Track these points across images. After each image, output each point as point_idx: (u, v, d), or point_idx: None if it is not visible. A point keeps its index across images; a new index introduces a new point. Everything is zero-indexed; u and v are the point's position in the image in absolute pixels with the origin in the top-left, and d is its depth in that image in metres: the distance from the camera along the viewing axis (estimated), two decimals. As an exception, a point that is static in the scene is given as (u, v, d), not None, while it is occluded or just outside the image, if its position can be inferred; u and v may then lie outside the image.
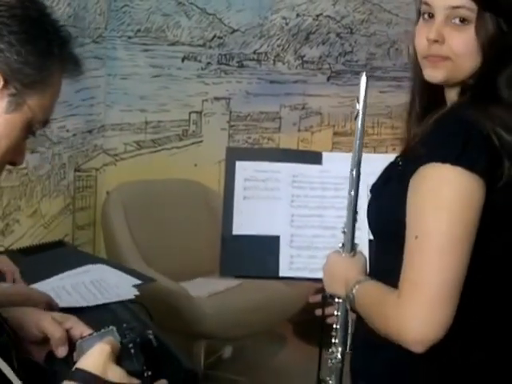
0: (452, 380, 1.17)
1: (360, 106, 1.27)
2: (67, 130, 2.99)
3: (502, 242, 1.14)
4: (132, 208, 3.04)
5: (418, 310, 1.08)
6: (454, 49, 1.17)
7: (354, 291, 1.22)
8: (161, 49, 3.35)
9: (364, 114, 1.27)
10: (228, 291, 2.86)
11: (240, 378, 3.04)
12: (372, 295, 1.20)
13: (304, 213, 1.71)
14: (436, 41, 1.18)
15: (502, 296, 1.16)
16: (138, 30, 3.29)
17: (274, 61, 3.60)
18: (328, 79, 3.71)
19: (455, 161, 1.08)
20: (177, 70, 3.40)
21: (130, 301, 1.87)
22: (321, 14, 3.66)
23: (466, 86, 1.19)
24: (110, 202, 3.04)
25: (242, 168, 1.71)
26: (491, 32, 1.15)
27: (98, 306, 1.81)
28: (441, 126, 1.12)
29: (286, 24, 3.61)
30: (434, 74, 1.21)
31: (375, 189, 1.28)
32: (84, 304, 1.80)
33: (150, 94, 3.34)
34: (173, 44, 3.37)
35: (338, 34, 3.71)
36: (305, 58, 3.67)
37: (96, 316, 1.74)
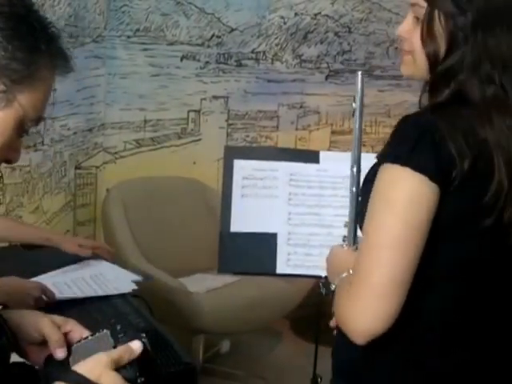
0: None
1: (357, 105, 1.29)
2: (68, 129, 3.00)
3: (459, 243, 1.13)
4: (131, 205, 3.05)
5: (360, 304, 1.10)
6: (412, 45, 1.21)
7: (336, 281, 1.24)
8: (160, 48, 3.35)
9: (361, 112, 1.30)
10: (226, 287, 2.87)
11: (237, 372, 3.05)
12: (340, 285, 1.21)
13: (301, 211, 1.73)
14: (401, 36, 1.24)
15: (459, 295, 1.16)
16: (137, 30, 3.29)
17: (272, 60, 3.59)
18: (326, 78, 3.70)
19: (404, 162, 1.09)
20: (175, 69, 3.40)
21: (131, 294, 1.90)
22: (319, 13, 3.64)
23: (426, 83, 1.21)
24: (110, 199, 3.05)
25: (240, 166, 1.73)
26: (438, 30, 1.17)
27: (99, 300, 1.83)
28: (399, 127, 1.14)
29: (284, 23, 3.60)
30: (401, 68, 1.26)
31: (361, 189, 1.30)
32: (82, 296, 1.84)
33: (149, 92, 3.34)
34: (171, 43, 3.37)
35: (336, 33, 3.69)
36: (303, 57, 3.65)
37: (98, 309, 1.77)
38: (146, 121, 3.37)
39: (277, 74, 3.60)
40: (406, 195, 1.09)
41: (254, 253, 1.71)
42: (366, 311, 1.10)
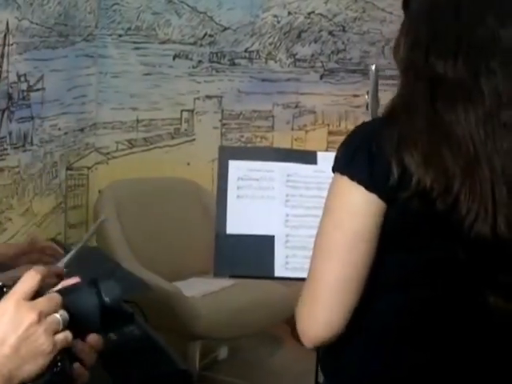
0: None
1: (369, 99, 1.29)
2: (59, 129, 2.99)
3: (412, 250, 1.13)
4: (124, 207, 3.03)
5: (306, 310, 1.14)
6: None
7: None
8: (152, 47, 3.36)
9: (374, 106, 1.29)
10: (222, 291, 2.85)
11: (236, 380, 3.02)
12: None
13: (299, 213, 1.71)
14: None
15: (413, 300, 1.16)
16: (129, 29, 3.30)
17: (266, 59, 3.59)
18: (321, 77, 3.69)
19: (343, 171, 1.11)
20: (168, 68, 3.41)
21: (124, 301, 1.86)
22: (312, 12, 3.64)
23: None
24: (102, 201, 3.03)
25: (235, 167, 1.71)
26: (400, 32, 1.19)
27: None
28: (348, 135, 1.16)
29: (278, 22, 3.60)
30: None
31: None
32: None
33: (142, 92, 3.35)
34: (164, 42, 3.38)
35: (330, 32, 3.69)
36: (297, 57, 3.66)
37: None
38: (138, 120, 3.38)
39: (271, 74, 3.60)
40: (344, 204, 1.11)
41: (251, 255, 1.69)
42: (310, 318, 1.13)
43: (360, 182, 1.09)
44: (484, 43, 1.12)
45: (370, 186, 1.09)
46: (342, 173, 1.11)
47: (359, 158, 1.10)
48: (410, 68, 1.15)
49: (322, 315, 1.12)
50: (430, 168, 1.07)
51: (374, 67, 1.31)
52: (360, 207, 1.10)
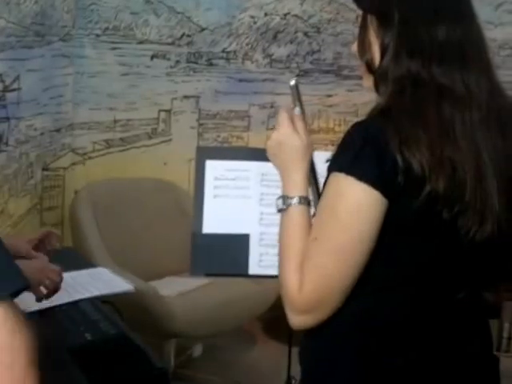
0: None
1: (297, 111, 1.29)
2: (35, 129, 2.97)
3: (410, 248, 1.14)
4: (101, 207, 3.02)
5: (306, 304, 1.14)
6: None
7: (291, 204, 1.22)
8: (129, 47, 3.34)
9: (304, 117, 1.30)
10: (198, 290, 2.84)
11: (211, 377, 3.03)
12: (295, 232, 1.20)
13: (273, 211, 1.70)
14: None
15: (408, 298, 1.17)
16: (106, 28, 3.28)
17: (243, 59, 3.59)
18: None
19: (348, 171, 1.10)
20: (146, 69, 3.39)
21: (101, 300, 1.86)
22: (288, 13, 3.65)
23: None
24: (79, 202, 3.02)
25: (212, 167, 1.71)
26: (371, 35, 1.20)
27: (68, 307, 1.80)
28: (347, 134, 1.14)
29: (255, 23, 3.61)
30: (362, 82, 1.28)
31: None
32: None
33: (119, 92, 3.33)
34: (141, 42, 3.37)
35: (305, 33, 3.71)
36: (273, 57, 3.66)
37: (66, 315, 1.74)
38: (115, 121, 3.36)
39: (247, 74, 3.60)
40: (351, 206, 1.10)
41: (227, 254, 1.69)
42: (307, 313, 1.14)
43: (366, 181, 1.08)
44: (478, 46, 1.16)
45: (376, 185, 1.08)
46: (347, 173, 1.09)
47: (364, 157, 1.08)
48: (408, 77, 1.13)
49: (326, 314, 1.15)
50: (441, 174, 1.07)
51: (293, 82, 1.32)
52: (366, 207, 1.09)
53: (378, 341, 1.17)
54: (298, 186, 1.23)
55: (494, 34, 3.52)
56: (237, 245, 1.67)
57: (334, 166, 1.13)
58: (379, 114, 1.13)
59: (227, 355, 3.21)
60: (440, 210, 1.08)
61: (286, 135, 1.27)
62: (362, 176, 1.08)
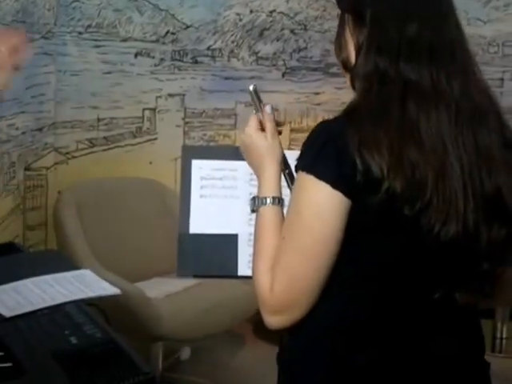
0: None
1: (268, 109, 1.33)
2: (16, 128, 2.95)
3: (373, 246, 1.15)
4: (85, 207, 2.99)
5: (275, 304, 1.16)
6: None
7: (263, 205, 1.24)
8: (113, 45, 3.34)
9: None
10: (185, 291, 2.83)
11: (199, 380, 3.01)
12: (267, 232, 1.21)
13: (263, 211, 1.70)
14: None
15: (372, 296, 1.18)
16: (89, 26, 3.28)
17: (229, 57, 3.59)
18: (283, 75, 3.71)
19: (309, 170, 1.12)
20: (130, 66, 3.39)
21: (86, 303, 1.83)
22: (274, 11, 3.66)
23: None
24: (62, 202, 2.99)
25: (198, 167, 1.70)
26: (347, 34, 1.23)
27: (51, 310, 1.76)
28: (311, 132, 1.16)
29: (240, 20, 3.61)
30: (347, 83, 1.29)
31: None
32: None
33: (102, 90, 3.33)
34: (125, 40, 3.37)
35: (292, 31, 3.71)
36: (259, 55, 3.67)
37: (50, 319, 1.70)
38: (99, 119, 3.35)
39: (233, 72, 3.60)
40: (312, 204, 1.12)
41: (215, 255, 1.68)
42: (278, 314, 1.16)
43: (326, 180, 1.09)
44: (451, 46, 1.15)
45: (335, 184, 1.09)
46: (308, 171, 1.11)
47: (324, 156, 1.10)
48: (375, 73, 1.15)
49: (296, 315, 1.16)
50: (399, 174, 1.07)
51: (252, 87, 1.33)
52: (327, 206, 1.10)
53: (346, 341, 1.18)
54: (269, 186, 1.25)
55: (483, 31, 3.54)
56: (225, 245, 1.66)
57: (299, 164, 1.15)
58: (344, 114, 1.15)
59: (216, 357, 3.20)
60: (400, 207, 1.09)
61: (250, 136, 1.32)
62: (321, 175, 1.10)
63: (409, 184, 1.07)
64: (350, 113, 1.14)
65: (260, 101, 1.34)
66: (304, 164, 1.13)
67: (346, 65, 1.24)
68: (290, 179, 1.31)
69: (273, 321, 1.18)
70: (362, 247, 1.15)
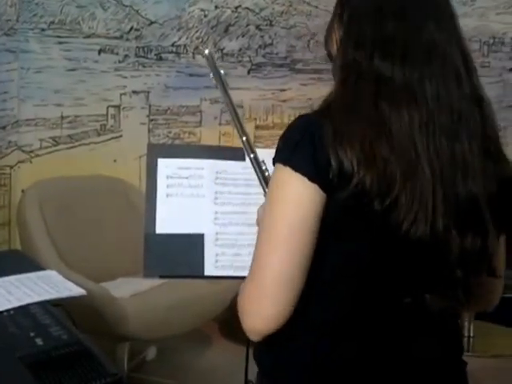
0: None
1: (219, 85, 1.36)
2: (-21, 127, 2.91)
3: (349, 243, 1.15)
4: (49, 206, 2.97)
5: (248, 303, 1.14)
6: None
7: None
8: (76, 41, 3.31)
9: (226, 91, 1.40)
10: (151, 291, 2.82)
11: (165, 381, 3.00)
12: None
13: (228, 210, 1.70)
14: None
15: (349, 292, 1.18)
16: (52, 22, 3.24)
17: (193, 53, 3.59)
18: (248, 72, 3.71)
19: (285, 162, 1.12)
20: (93, 63, 3.36)
21: (51, 304, 1.81)
22: (239, 6, 3.66)
23: None
24: (26, 201, 2.96)
25: (164, 165, 1.68)
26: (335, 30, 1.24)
27: (15, 311, 1.74)
28: (289, 126, 1.17)
29: (205, 16, 3.60)
30: None
31: None
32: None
33: (66, 87, 3.29)
34: (88, 36, 3.34)
35: (257, 26, 3.72)
36: (224, 51, 3.67)
37: (15, 321, 1.68)
38: (62, 117, 3.32)
39: (198, 68, 3.59)
40: (286, 195, 1.12)
41: (181, 255, 1.67)
42: (260, 314, 1.13)
43: (303, 173, 1.10)
44: (427, 47, 1.15)
45: (312, 177, 1.09)
46: (285, 164, 1.12)
47: (301, 149, 1.11)
48: (351, 67, 1.15)
49: (271, 310, 1.12)
50: (369, 169, 1.08)
51: (207, 51, 1.35)
52: (303, 198, 1.10)
53: (328, 338, 1.17)
54: None
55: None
56: (191, 245, 1.66)
57: (276, 157, 1.15)
58: (321, 108, 1.15)
59: (182, 358, 3.19)
60: (370, 202, 1.09)
61: None
62: (298, 167, 1.10)
63: (379, 179, 1.08)
64: (327, 107, 1.14)
65: (215, 65, 1.35)
66: (281, 156, 1.13)
67: (331, 57, 1.26)
68: (264, 179, 1.33)
69: (249, 323, 1.14)
70: (338, 243, 1.14)
